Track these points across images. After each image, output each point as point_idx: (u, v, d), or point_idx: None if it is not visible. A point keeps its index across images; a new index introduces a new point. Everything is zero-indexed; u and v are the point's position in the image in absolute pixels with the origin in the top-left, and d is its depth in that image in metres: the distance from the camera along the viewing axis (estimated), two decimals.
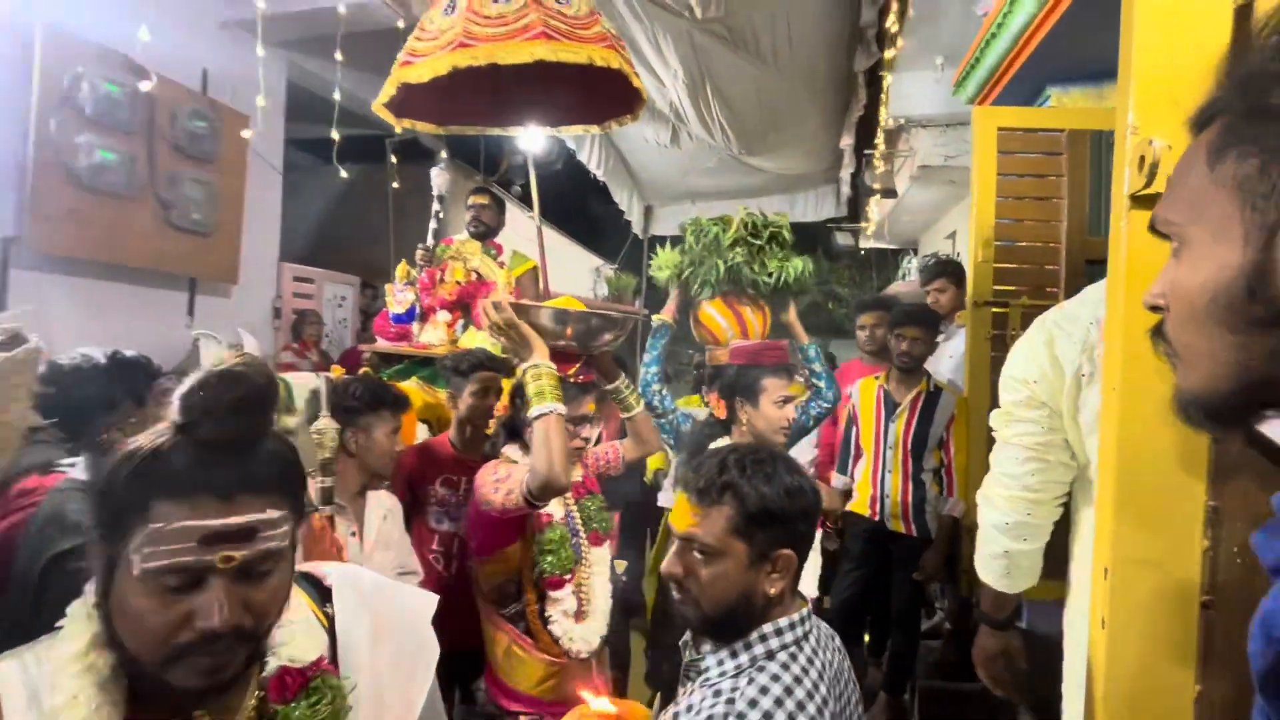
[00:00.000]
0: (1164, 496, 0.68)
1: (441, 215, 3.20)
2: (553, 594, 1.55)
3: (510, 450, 1.63)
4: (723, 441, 1.73)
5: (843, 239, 8.19)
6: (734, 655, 0.88)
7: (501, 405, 1.95)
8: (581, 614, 1.60)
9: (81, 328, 3.30)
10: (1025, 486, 1.17)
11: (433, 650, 0.82)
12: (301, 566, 0.80)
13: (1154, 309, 0.48)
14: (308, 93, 4.70)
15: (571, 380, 1.60)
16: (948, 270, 3.15)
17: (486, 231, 2.93)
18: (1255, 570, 0.49)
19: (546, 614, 1.56)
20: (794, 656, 0.87)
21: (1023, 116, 2.45)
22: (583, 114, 2.21)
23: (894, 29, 3.45)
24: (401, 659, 0.80)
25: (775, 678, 0.83)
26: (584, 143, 5.48)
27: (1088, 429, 1.04)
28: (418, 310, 2.81)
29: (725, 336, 2.15)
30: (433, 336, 2.72)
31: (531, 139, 2.32)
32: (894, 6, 3.50)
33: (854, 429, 2.70)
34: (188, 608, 0.60)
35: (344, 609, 0.77)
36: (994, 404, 1.26)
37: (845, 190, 6.58)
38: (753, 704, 0.79)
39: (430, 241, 2.99)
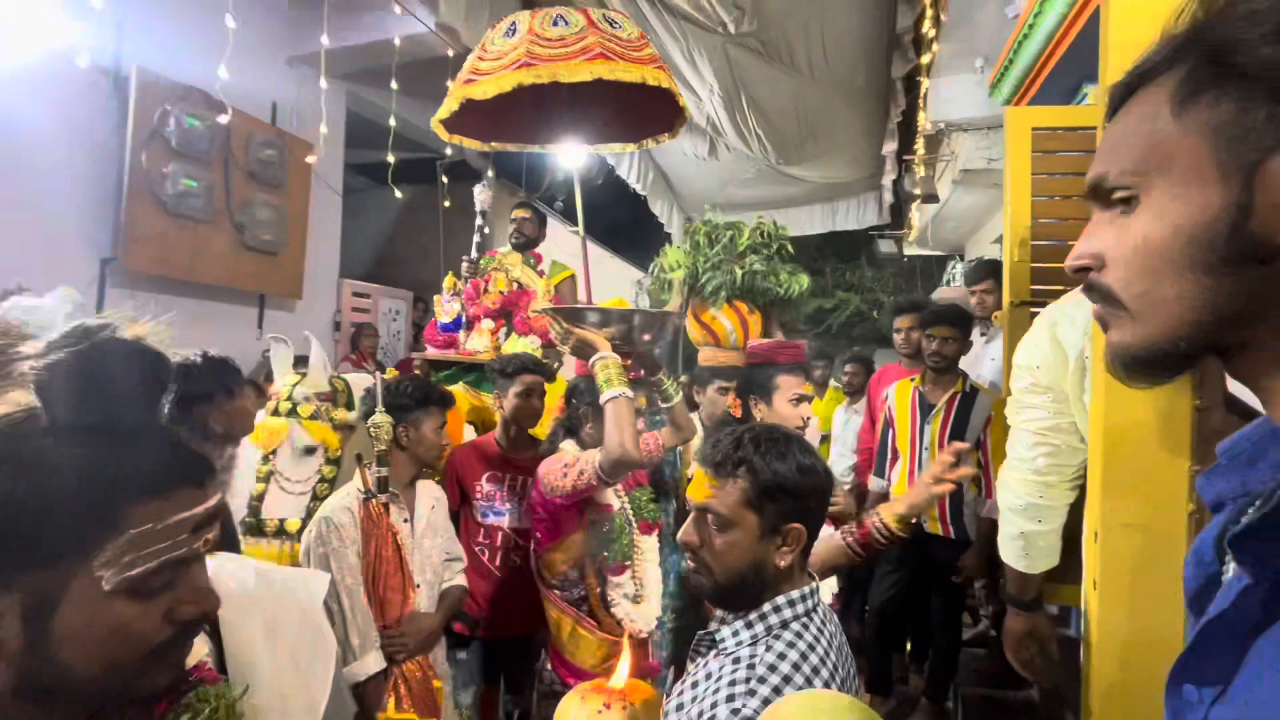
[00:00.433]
0: (1149, 464, 0.71)
1: (486, 230, 3.37)
2: (613, 579, 1.67)
3: (568, 445, 1.75)
4: None
5: (886, 246, 8.09)
6: (749, 626, 0.91)
7: (558, 407, 2.08)
8: (639, 597, 1.71)
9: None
10: (1035, 469, 1.20)
11: (330, 641, 0.79)
12: None
13: (1081, 270, 0.49)
14: (364, 120, 5.01)
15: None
16: (995, 271, 3.11)
17: (527, 243, 3.07)
18: None
19: (608, 598, 1.68)
20: (805, 626, 0.91)
21: (1057, 115, 2.43)
22: (622, 132, 2.32)
23: (930, 34, 3.45)
24: (299, 655, 0.75)
25: (791, 644, 0.87)
26: (624, 158, 5.64)
27: None
28: (464, 319, 2.97)
29: (729, 340, 2.23)
30: (478, 343, 2.87)
31: (573, 156, 2.45)
32: (929, 12, 3.51)
33: (890, 432, 2.70)
34: (166, 604, 0.55)
35: (229, 606, 0.66)
36: None
37: (887, 197, 6.52)
38: (772, 668, 0.83)
39: (474, 254, 3.15)
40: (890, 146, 5.25)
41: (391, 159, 3.95)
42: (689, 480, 2.19)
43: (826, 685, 0.85)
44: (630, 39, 1.80)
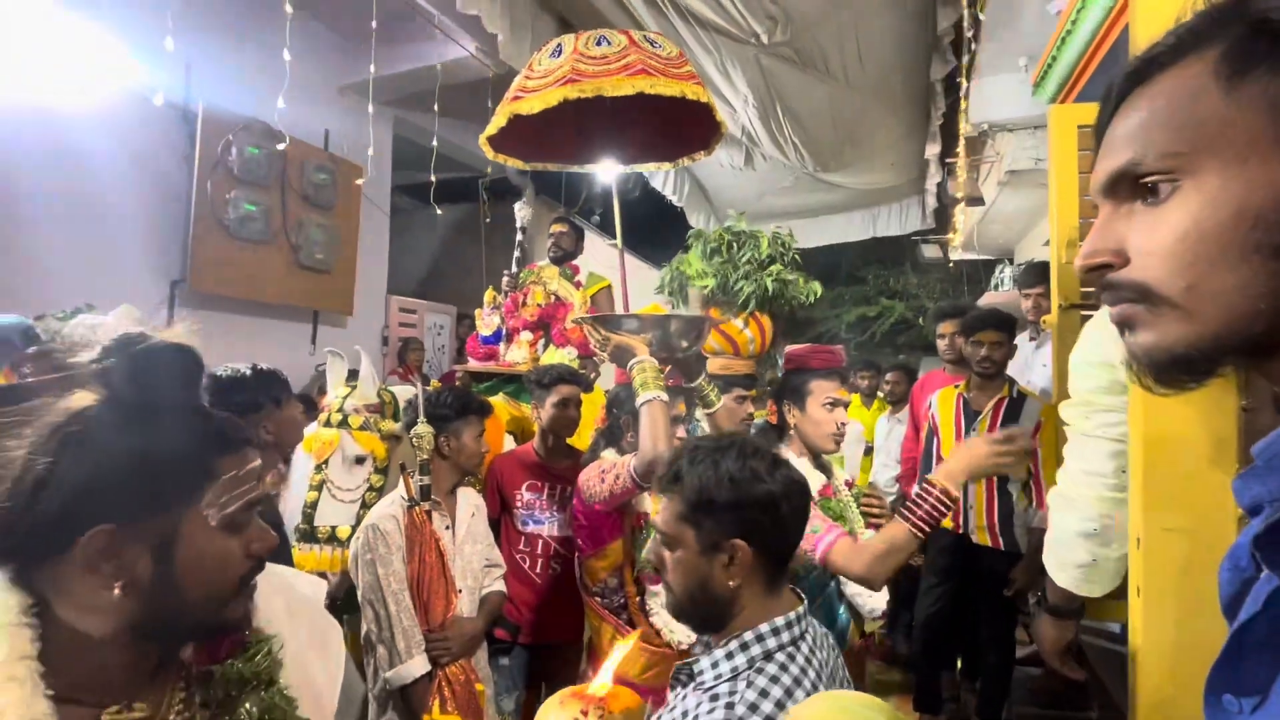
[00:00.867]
0: (1193, 467, 0.68)
1: (525, 245, 3.46)
2: (652, 588, 1.68)
3: (608, 454, 1.78)
4: (784, 450, 1.77)
5: (930, 251, 7.89)
6: (730, 657, 0.84)
7: (599, 417, 2.11)
8: None
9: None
10: (1116, 486, 1.02)
11: (338, 631, 0.86)
12: None
13: (1099, 268, 0.45)
14: (409, 142, 5.22)
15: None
16: (1048, 274, 3.01)
17: (565, 256, 3.14)
18: None
19: (647, 606, 1.68)
20: (792, 657, 0.84)
21: None
22: (659, 151, 2.36)
23: (967, 34, 3.39)
24: (315, 633, 0.83)
25: (775, 679, 0.80)
26: (659, 171, 5.69)
27: None
28: (503, 332, 3.05)
29: (749, 349, 2.24)
30: (517, 355, 2.94)
31: (609, 171, 2.50)
32: (966, 13, 3.45)
33: (935, 440, 2.63)
34: (245, 540, 0.67)
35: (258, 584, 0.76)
36: None
37: (931, 201, 6.38)
38: (753, 708, 0.76)
39: (515, 269, 3.24)
40: (933, 150, 5.14)
41: (435, 179, 4.10)
42: None
43: None
44: (670, 57, 1.84)
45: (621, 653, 0.79)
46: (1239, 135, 0.40)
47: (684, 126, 2.18)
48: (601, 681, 0.74)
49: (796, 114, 4.56)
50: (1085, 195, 2.30)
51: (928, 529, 1.30)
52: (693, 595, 0.87)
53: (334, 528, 1.87)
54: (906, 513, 1.33)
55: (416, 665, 1.66)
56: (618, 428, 1.92)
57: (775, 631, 0.84)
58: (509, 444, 2.56)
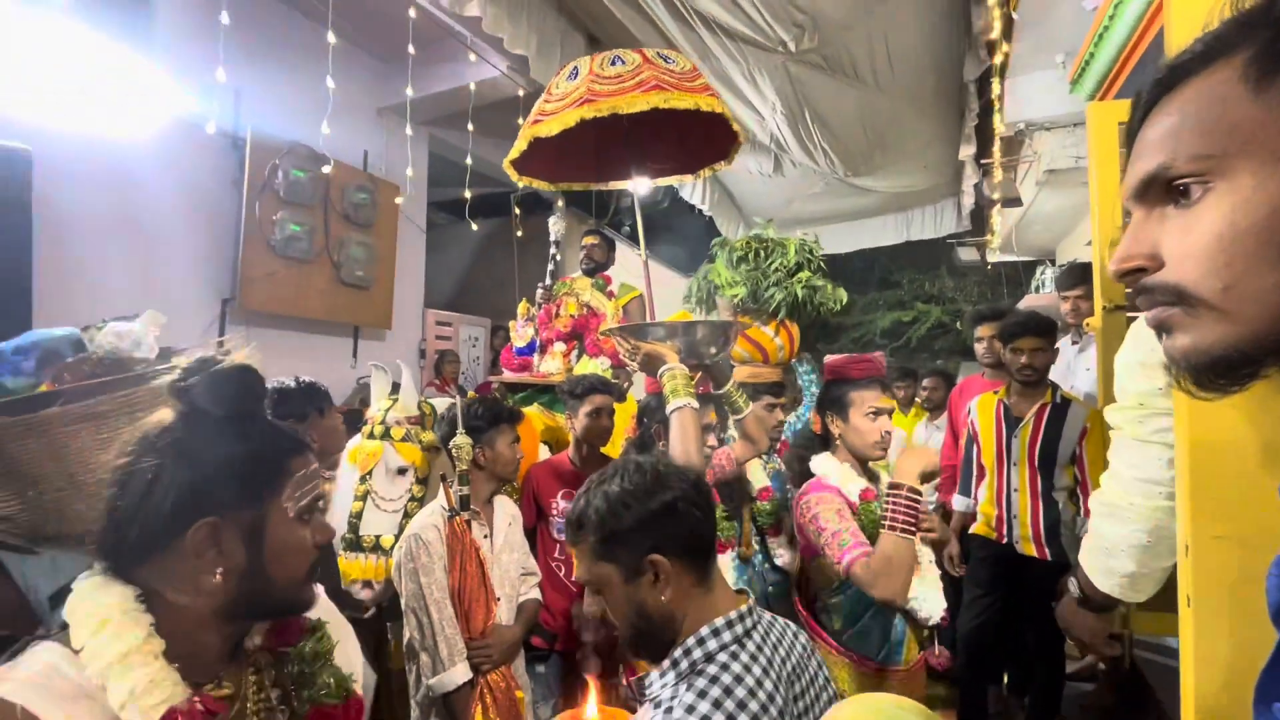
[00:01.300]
0: (1241, 471, 0.66)
1: (558, 258, 3.52)
2: None
3: None
4: (821, 458, 1.76)
5: (967, 254, 7.73)
6: (674, 665, 0.86)
7: (630, 427, 2.13)
8: None
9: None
10: (1171, 494, 0.95)
11: (349, 627, 0.95)
12: None
13: (1134, 272, 0.46)
14: (443, 159, 5.37)
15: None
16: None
17: (596, 267, 3.18)
18: None
19: None
20: (735, 655, 0.84)
21: None
22: (682, 165, 2.39)
23: (996, 35, 3.34)
24: (337, 623, 0.91)
25: (714, 679, 0.81)
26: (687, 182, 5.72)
27: None
28: (537, 343, 3.10)
29: (777, 356, 2.23)
30: (551, 366, 2.98)
31: (636, 185, 2.54)
32: (997, 12, 3.40)
33: (975, 447, 2.57)
34: (312, 531, 0.77)
35: None
36: None
37: (967, 203, 6.25)
38: (690, 709, 0.77)
39: (548, 281, 3.30)
40: (968, 151, 5.05)
41: (469, 195, 4.21)
42: (754, 499, 2.19)
43: (755, 718, 0.78)
44: (683, 71, 1.86)
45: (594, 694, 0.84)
46: (1270, 137, 0.41)
47: (706, 138, 2.20)
48: (594, 709, 0.81)
49: (825, 120, 4.54)
50: None
51: (914, 528, 1.43)
52: (636, 626, 0.88)
53: (378, 537, 1.92)
54: (889, 521, 1.44)
55: (459, 672, 1.69)
56: (649, 437, 1.93)
57: (715, 633, 0.86)
58: (544, 453, 2.59)
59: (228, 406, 0.72)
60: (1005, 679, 2.85)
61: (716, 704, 0.78)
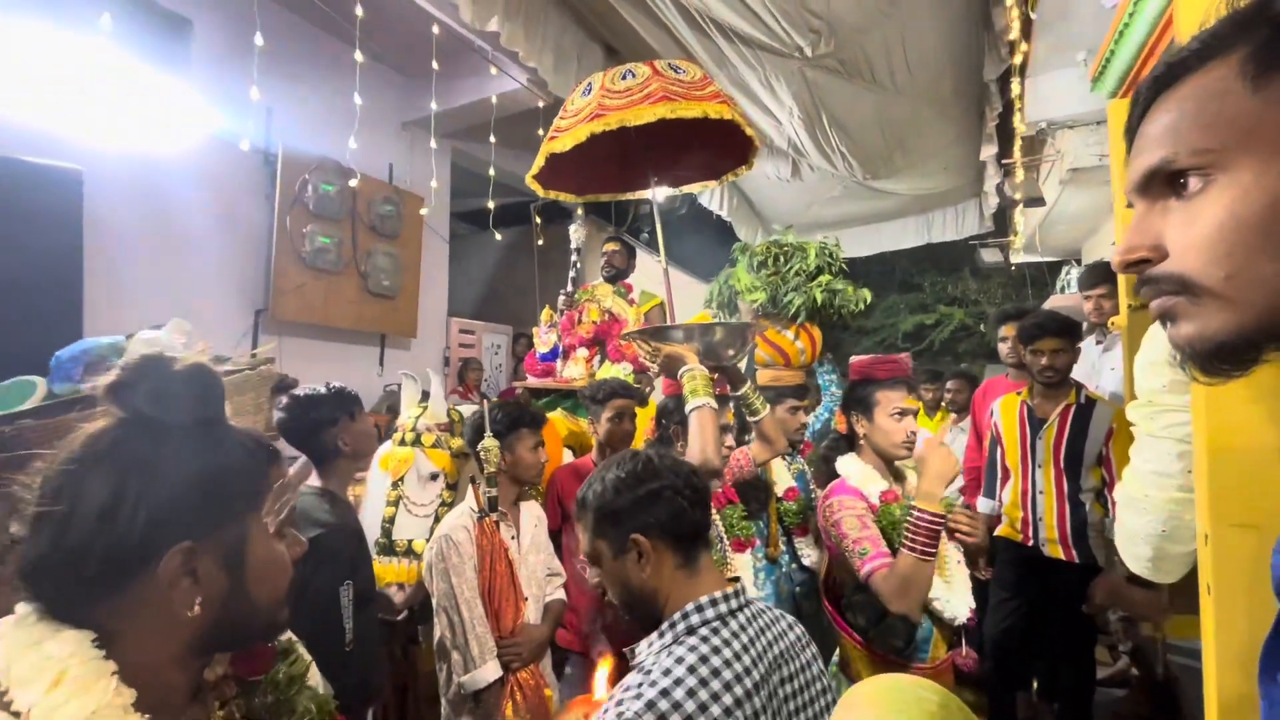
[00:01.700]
0: (1258, 458, 0.67)
1: (579, 265, 3.58)
2: None
3: None
4: (847, 459, 1.77)
5: (990, 256, 7.62)
6: (661, 635, 0.92)
7: (649, 429, 2.17)
8: None
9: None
10: (1184, 486, 1.02)
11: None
12: None
13: (1139, 263, 0.47)
14: (466, 171, 5.48)
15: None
16: (1111, 274, 2.89)
17: (617, 274, 3.23)
18: None
19: None
20: (715, 631, 0.90)
21: None
22: (701, 172, 2.43)
23: (1015, 35, 3.33)
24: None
25: (693, 649, 0.87)
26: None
27: None
28: (560, 349, 3.15)
29: (799, 359, 2.24)
30: (574, 371, 3.03)
31: (656, 193, 2.58)
32: (1015, 11, 3.38)
33: (999, 449, 2.55)
34: (288, 545, 0.70)
35: None
36: None
37: (990, 204, 6.19)
38: (666, 672, 0.83)
39: (570, 288, 3.35)
40: (989, 151, 5.01)
41: (491, 205, 4.29)
42: (778, 499, 2.20)
43: (728, 687, 0.84)
44: (692, 80, 1.90)
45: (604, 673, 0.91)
46: (1268, 131, 0.42)
47: (725, 144, 2.24)
48: (603, 690, 0.85)
49: (843, 123, 4.54)
50: None
51: (932, 550, 1.44)
52: (625, 599, 0.97)
53: (410, 541, 1.98)
54: (909, 542, 1.46)
55: (489, 670, 1.72)
56: (668, 438, 1.96)
57: (699, 609, 0.91)
58: (567, 457, 2.64)
59: (186, 413, 0.62)
60: (1035, 684, 2.80)
61: (691, 669, 0.83)
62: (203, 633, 0.61)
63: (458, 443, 2.12)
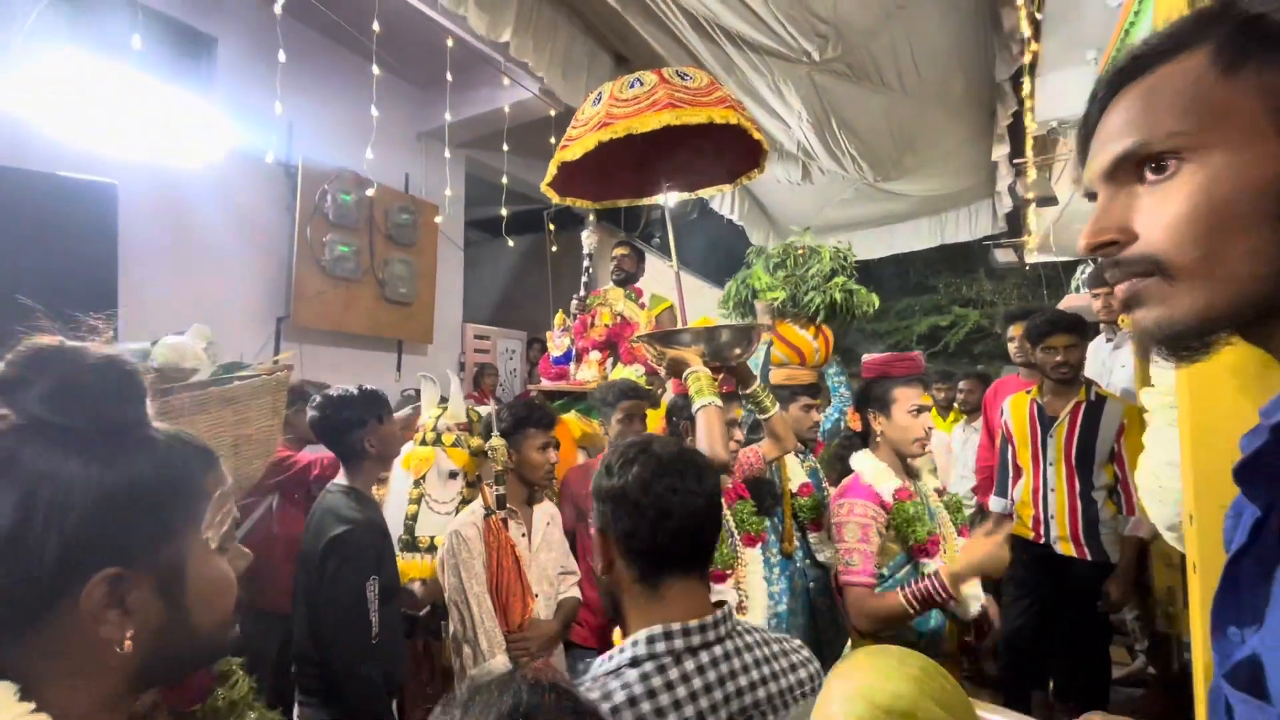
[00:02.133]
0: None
1: (591, 270, 3.63)
2: (717, 586, 1.74)
3: None
4: (861, 455, 1.80)
5: (1004, 256, 7.57)
6: (610, 658, 0.81)
7: (660, 427, 2.21)
8: (742, 608, 1.76)
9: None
10: None
11: None
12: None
13: (1107, 245, 0.48)
14: (479, 180, 5.58)
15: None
16: None
17: (627, 278, 3.28)
18: None
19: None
20: (661, 669, 0.77)
21: None
22: (713, 176, 2.47)
23: (1025, 34, 3.35)
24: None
25: (625, 686, 0.76)
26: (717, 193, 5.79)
27: None
28: (573, 352, 3.21)
29: (814, 358, 2.28)
30: (587, 374, 3.09)
31: (667, 198, 2.63)
32: (1023, 11, 3.40)
33: (1009, 448, 2.56)
34: (231, 558, 0.61)
35: None
36: None
37: (1004, 204, 6.16)
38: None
39: (582, 293, 3.41)
40: (1000, 151, 5.00)
41: (504, 213, 4.38)
42: (793, 495, 2.23)
43: None
44: (698, 87, 1.95)
45: None
46: (1240, 117, 0.44)
47: (737, 149, 2.28)
48: None
49: (852, 126, 4.56)
50: None
51: (917, 607, 1.50)
52: (601, 589, 0.92)
53: (433, 538, 2.03)
54: (910, 595, 1.51)
55: (498, 663, 1.74)
56: (678, 434, 2.00)
57: (650, 640, 0.79)
58: (581, 458, 2.69)
59: (98, 416, 0.53)
60: (1051, 685, 2.79)
61: (615, 711, 0.73)
62: (139, 667, 0.53)
63: (476, 442, 2.18)
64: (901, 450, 1.75)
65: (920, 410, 1.74)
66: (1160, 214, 0.46)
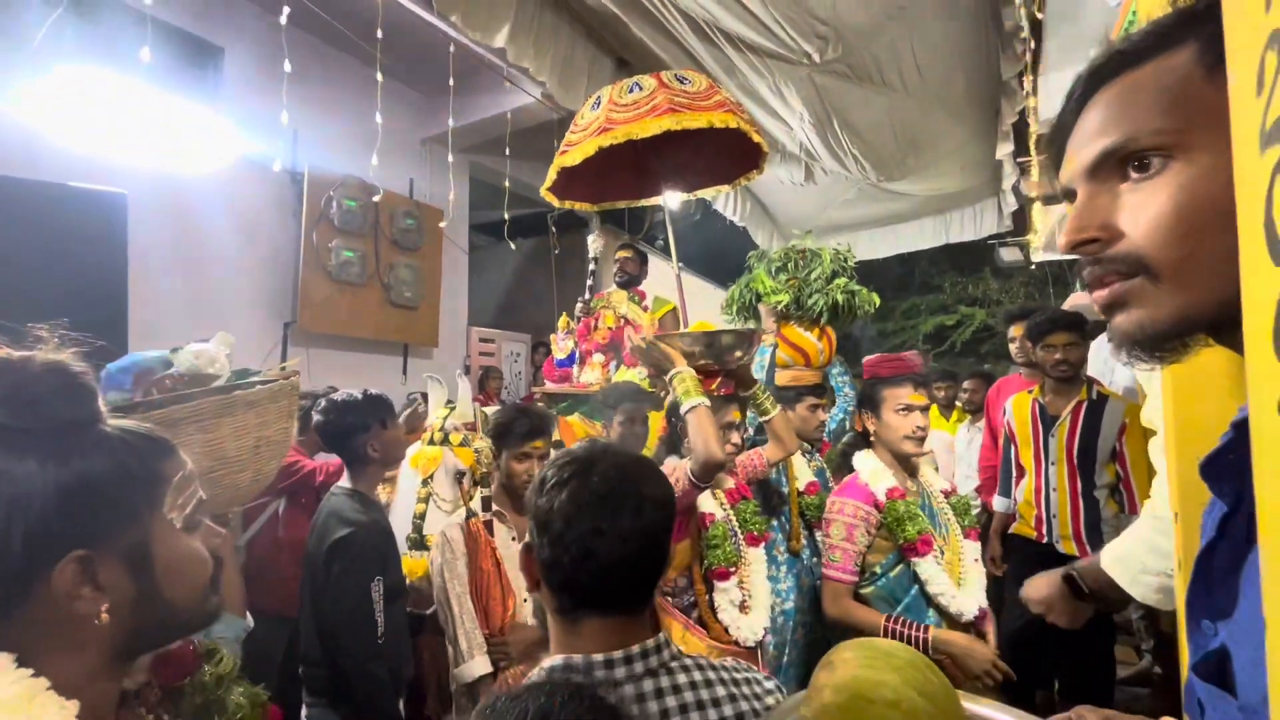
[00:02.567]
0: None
1: (596, 273, 3.66)
2: (720, 585, 1.75)
3: (670, 460, 1.89)
4: (861, 455, 1.81)
5: (1009, 255, 7.54)
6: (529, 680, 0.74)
7: (661, 427, 2.23)
8: (745, 607, 1.77)
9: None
10: None
11: None
12: None
13: (1088, 243, 0.47)
14: (483, 184, 5.62)
15: (715, 394, 1.83)
16: None
17: (630, 280, 3.30)
18: None
19: (715, 604, 1.75)
20: (562, 705, 0.62)
21: None
22: (714, 177, 2.49)
23: (1025, 34, 3.35)
24: None
25: (522, 714, 0.61)
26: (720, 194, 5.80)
27: None
28: (577, 355, 3.23)
29: (819, 359, 2.30)
30: (590, 376, 3.11)
31: (669, 199, 2.65)
32: (1023, 10, 3.40)
33: (1012, 448, 2.56)
34: (203, 536, 0.67)
35: None
36: None
37: (1009, 203, 6.14)
38: None
39: (587, 295, 3.44)
40: (1005, 150, 4.99)
41: (508, 217, 4.41)
42: (799, 493, 2.25)
43: None
44: (698, 91, 1.97)
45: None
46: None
47: (738, 150, 2.30)
48: None
49: (855, 127, 4.57)
50: None
51: (891, 635, 1.56)
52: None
53: None
54: (895, 625, 1.57)
55: (478, 665, 1.72)
56: (677, 435, 2.01)
57: (551, 670, 0.75)
58: None
59: (49, 416, 0.59)
60: (1056, 685, 2.78)
61: None
62: (125, 637, 0.60)
63: (483, 442, 2.20)
64: (894, 448, 1.76)
65: (909, 409, 1.75)
66: (1144, 212, 0.45)
